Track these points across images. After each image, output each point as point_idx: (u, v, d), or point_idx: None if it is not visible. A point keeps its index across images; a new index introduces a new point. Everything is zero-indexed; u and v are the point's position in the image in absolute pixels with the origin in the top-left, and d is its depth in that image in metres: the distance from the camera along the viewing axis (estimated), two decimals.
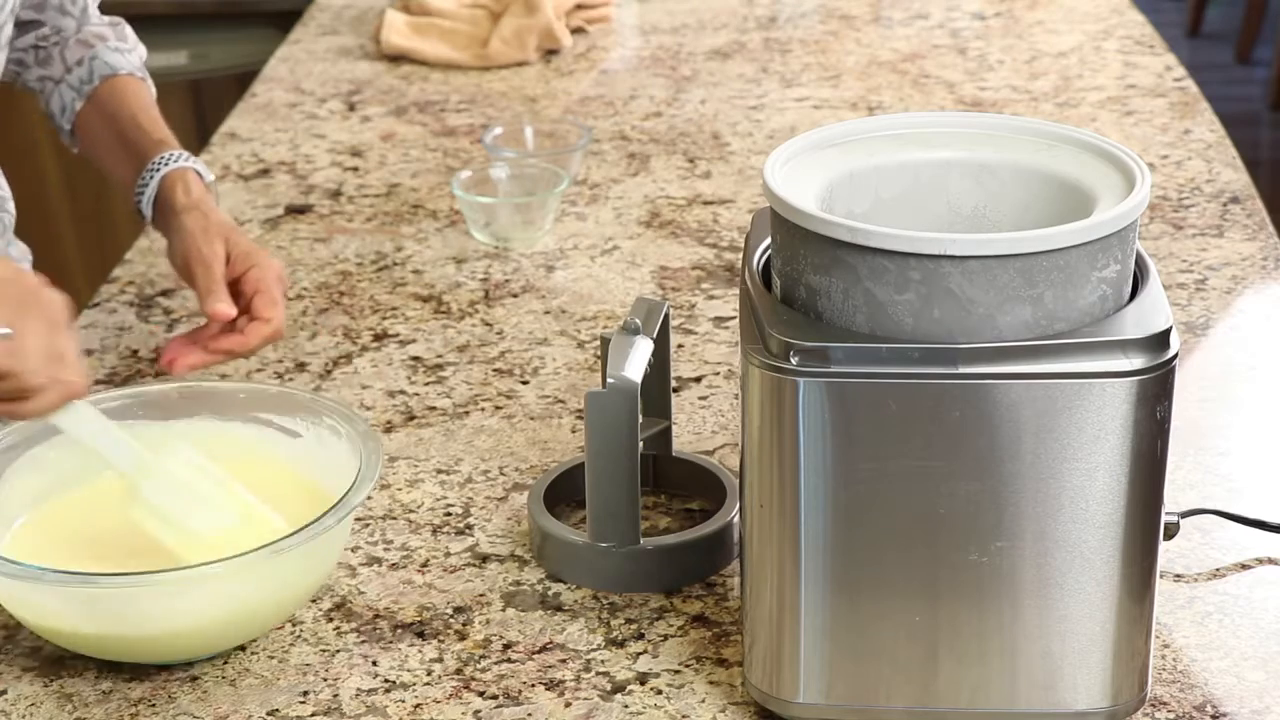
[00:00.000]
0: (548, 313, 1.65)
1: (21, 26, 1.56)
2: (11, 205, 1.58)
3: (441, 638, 1.21)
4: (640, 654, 1.18)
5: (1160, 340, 1.01)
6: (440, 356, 1.57)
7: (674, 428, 1.39)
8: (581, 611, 1.23)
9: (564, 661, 1.18)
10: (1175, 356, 1.01)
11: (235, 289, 1.39)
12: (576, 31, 2.44)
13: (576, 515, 1.33)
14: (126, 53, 1.58)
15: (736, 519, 1.26)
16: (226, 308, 1.36)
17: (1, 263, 1.17)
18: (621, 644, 1.19)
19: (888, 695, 1.08)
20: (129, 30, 1.62)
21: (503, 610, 1.23)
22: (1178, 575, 1.24)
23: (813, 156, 1.11)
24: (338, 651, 1.20)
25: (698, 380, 1.52)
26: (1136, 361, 1.00)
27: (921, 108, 2.13)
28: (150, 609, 1.15)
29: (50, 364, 1.15)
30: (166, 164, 1.47)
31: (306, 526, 1.15)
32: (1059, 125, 1.12)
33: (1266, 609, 1.21)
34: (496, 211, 1.78)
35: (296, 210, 1.89)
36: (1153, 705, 1.12)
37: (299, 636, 1.21)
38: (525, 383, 1.52)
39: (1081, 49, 2.32)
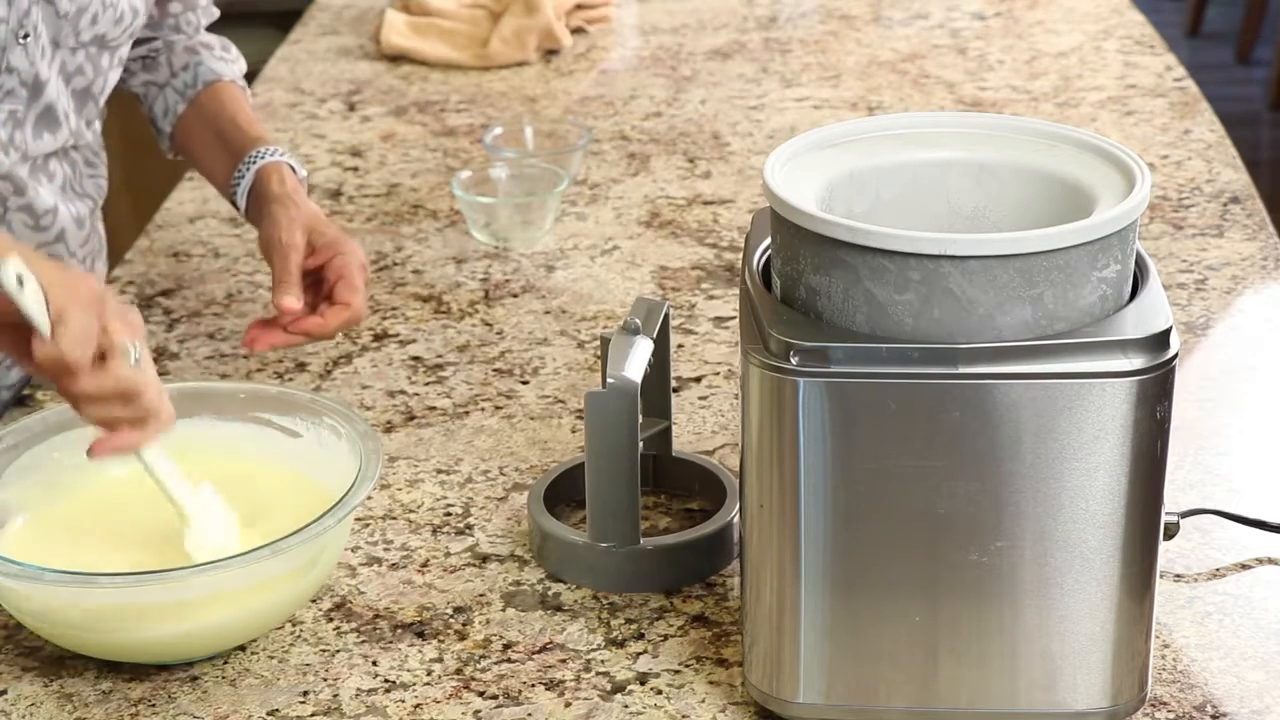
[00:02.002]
0: (548, 313, 1.65)
1: (135, 43, 1.62)
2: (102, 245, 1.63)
3: (441, 638, 1.21)
4: (640, 654, 1.18)
5: (1160, 340, 1.01)
6: (440, 356, 1.57)
7: (674, 428, 1.39)
8: (581, 611, 1.23)
9: (564, 661, 1.18)
10: (1175, 356, 1.01)
11: (319, 275, 1.44)
12: (576, 31, 2.44)
13: (576, 515, 1.33)
14: (230, 62, 1.66)
15: (736, 519, 1.26)
16: (293, 301, 1.41)
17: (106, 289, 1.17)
18: (621, 644, 1.19)
19: (888, 695, 1.08)
20: (233, 45, 1.69)
21: (503, 610, 1.23)
22: (1178, 575, 1.24)
23: (813, 156, 1.11)
24: (338, 651, 1.20)
25: (698, 380, 1.52)
26: (1136, 361, 1.00)
27: (921, 108, 2.13)
28: (150, 609, 1.15)
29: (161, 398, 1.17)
30: (262, 157, 1.53)
31: (306, 526, 1.15)
32: (1059, 125, 1.12)
33: (1266, 609, 1.21)
34: (496, 211, 1.78)
35: None
36: (1153, 705, 1.12)
37: (299, 636, 1.21)
38: (525, 383, 1.52)
39: (1081, 49, 2.32)
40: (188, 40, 1.65)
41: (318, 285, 1.45)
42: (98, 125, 1.57)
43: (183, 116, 1.62)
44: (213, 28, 1.70)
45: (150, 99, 1.64)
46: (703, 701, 1.14)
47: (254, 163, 1.52)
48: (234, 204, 1.55)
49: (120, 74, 1.61)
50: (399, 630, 1.21)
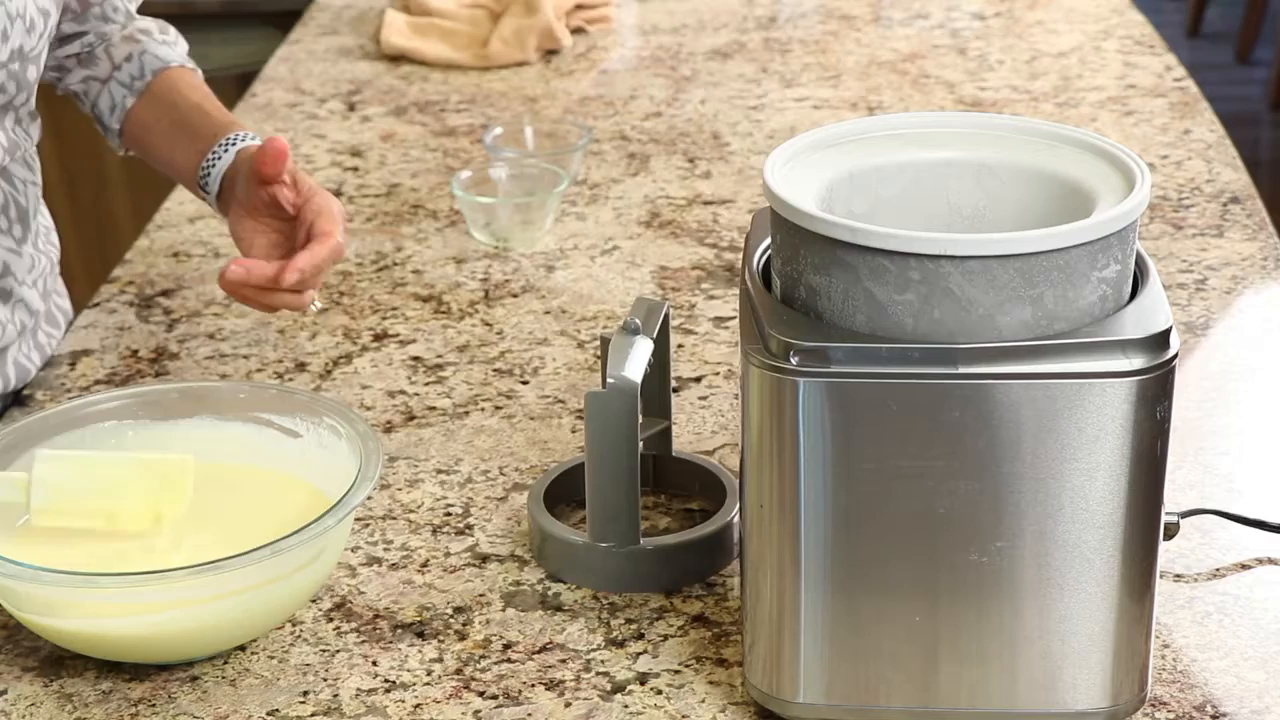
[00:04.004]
0: (548, 313, 1.65)
1: (65, 39, 1.55)
2: (56, 238, 1.60)
3: (441, 638, 1.21)
4: (640, 654, 1.18)
5: (1160, 340, 1.01)
6: (440, 356, 1.57)
7: (674, 428, 1.39)
8: (581, 611, 1.23)
9: (564, 661, 1.18)
10: (1175, 356, 1.01)
11: (297, 218, 1.40)
12: (576, 31, 2.44)
13: (576, 515, 1.33)
14: (173, 45, 1.59)
15: (736, 519, 1.26)
16: (279, 141, 1.37)
17: None
18: (621, 644, 1.19)
19: (888, 695, 1.08)
20: (170, 26, 1.62)
21: (503, 610, 1.23)
22: (1178, 575, 1.24)
23: (813, 156, 1.11)
24: (338, 651, 1.20)
25: (698, 380, 1.52)
26: (1136, 361, 1.00)
27: (921, 108, 2.13)
28: (150, 609, 1.15)
29: None
30: (242, 140, 1.48)
31: (306, 526, 1.15)
32: (1059, 125, 1.12)
33: (1266, 609, 1.21)
34: (496, 211, 1.78)
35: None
36: (1153, 705, 1.12)
37: (299, 636, 1.21)
38: (525, 383, 1.52)
39: (1081, 49, 2.32)
40: (123, 29, 1.57)
41: (295, 228, 1.40)
42: (35, 131, 1.51)
43: (133, 110, 1.55)
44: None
45: (92, 95, 1.57)
46: (703, 701, 1.14)
47: (233, 144, 1.47)
48: (201, 190, 1.48)
49: (49, 68, 1.55)
50: (399, 630, 1.21)
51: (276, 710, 1.14)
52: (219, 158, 1.47)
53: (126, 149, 1.59)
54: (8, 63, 1.41)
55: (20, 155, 1.50)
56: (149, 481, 1.24)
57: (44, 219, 1.57)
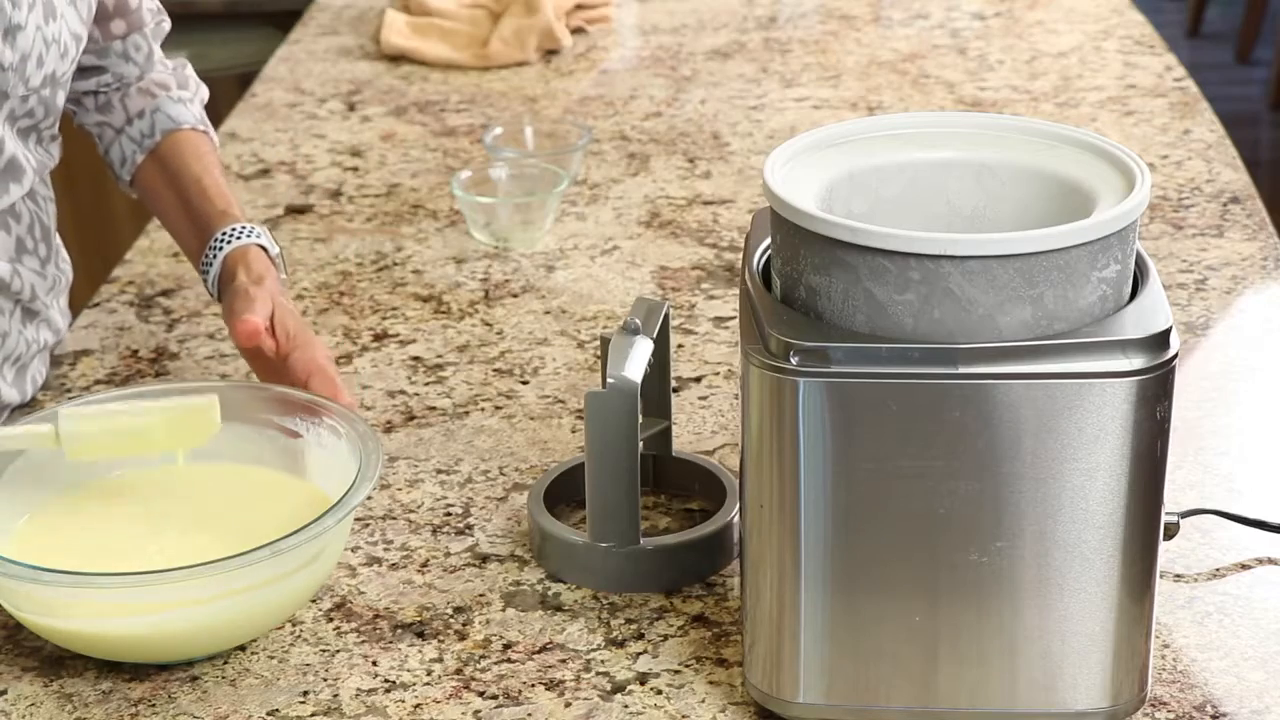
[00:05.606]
0: (548, 313, 1.65)
1: (83, 72, 1.52)
2: (69, 268, 1.59)
3: (441, 638, 1.21)
4: (640, 654, 1.18)
5: (1160, 340, 1.01)
6: (440, 356, 1.57)
7: (674, 428, 1.39)
8: (581, 611, 1.23)
9: (564, 661, 1.18)
10: (1175, 356, 1.02)
11: (286, 373, 1.38)
12: (576, 31, 2.45)
13: (576, 515, 1.33)
14: (188, 102, 1.56)
15: (736, 519, 1.26)
16: (256, 318, 1.35)
17: None
18: (621, 644, 1.19)
19: (888, 695, 1.08)
20: (190, 73, 1.59)
21: (503, 610, 1.23)
22: (1178, 575, 1.24)
23: (813, 156, 1.11)
24: (338, 651, 1.20)
25: (698, 380, 1.52)
26: (1136, 361, 1.00)
27: (921, 108, 2.13)
28: (150, 609, 1.15)
29: None
30: (230, 241, 1.45)
31: (306, 526, 1.15)
32: (1059, 125, 1.12)
33: (1266, 609, 1.21)
34: (496, 211, 1.78)
35: (296, 210, 1.89)
36: (1153, 705, 1.12)
37: (299, 636, 1.21)
38: (525, 383, 1.52)
39: (1081, 49, 2.32)
40: (140, 78, 1.54)
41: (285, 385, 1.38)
42: (56, 150, 1.50)
43: (143, 168, 1.54)
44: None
45: (105, 142, 1.56)
46: (703, 701, 1.14)
47: (221, 248, 1.45)
48: (206, 288, 1.47)
49: (70, 107, 1.54)
50: (399, 630, 1.21)
51: (276, 710, 1.14)
52: (210, 263, 1.45)
53: (136, 197, 1.58)
54: (40, 88, 1.40)
55: (42, 174, 1.49)
56: (174, 422, 1.25)
57: (57, 237, 1.57)
